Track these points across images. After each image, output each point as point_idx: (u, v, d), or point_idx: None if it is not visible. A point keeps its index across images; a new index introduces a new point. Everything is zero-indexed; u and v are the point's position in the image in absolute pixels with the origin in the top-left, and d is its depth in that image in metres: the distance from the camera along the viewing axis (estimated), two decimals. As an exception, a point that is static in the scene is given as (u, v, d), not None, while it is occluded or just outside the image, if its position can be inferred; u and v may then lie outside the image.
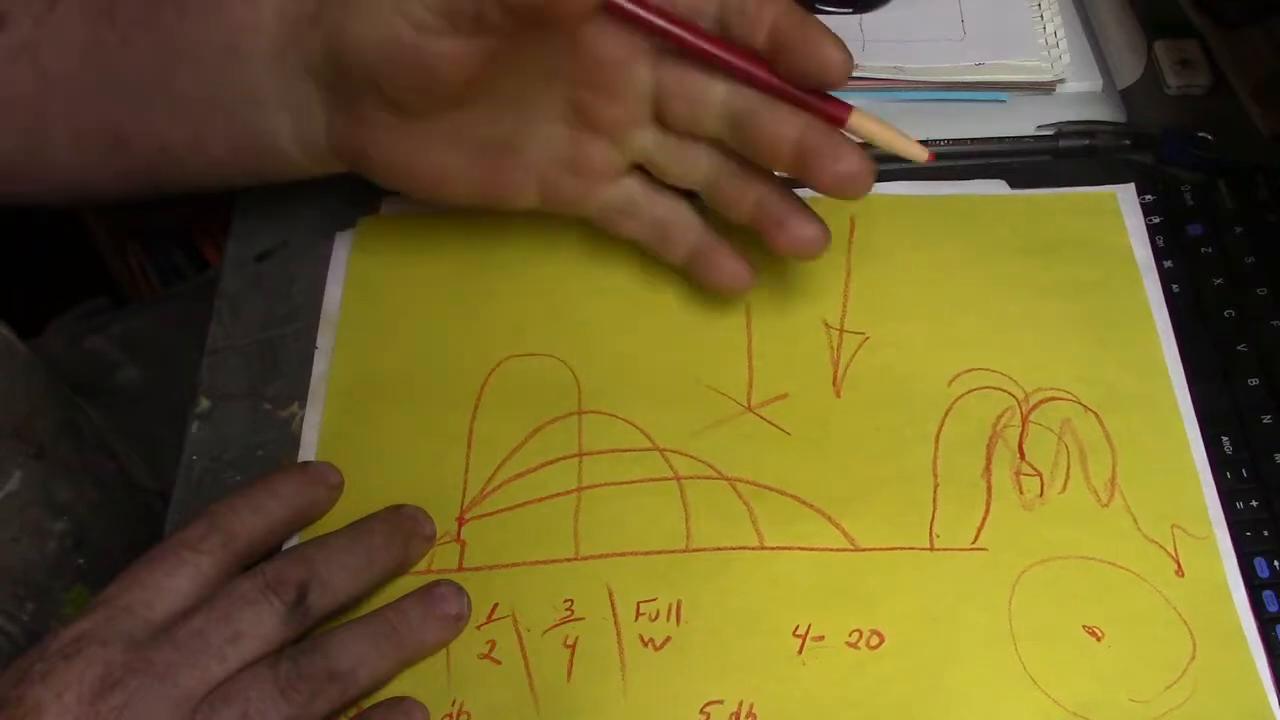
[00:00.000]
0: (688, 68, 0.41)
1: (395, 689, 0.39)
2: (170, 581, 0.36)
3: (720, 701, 0.38)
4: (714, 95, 0.41)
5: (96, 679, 0.34)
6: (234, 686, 0.35)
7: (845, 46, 0.39)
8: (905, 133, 0.41)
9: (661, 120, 0.42)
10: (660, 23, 0.39)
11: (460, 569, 0.41)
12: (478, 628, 0.40)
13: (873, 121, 0.41)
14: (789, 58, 0.39)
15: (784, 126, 0.40)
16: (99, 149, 0.44)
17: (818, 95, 0.40)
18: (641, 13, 0.39)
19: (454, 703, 0.39)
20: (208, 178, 0.45)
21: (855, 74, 0.54)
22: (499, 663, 0.39)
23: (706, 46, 0.40)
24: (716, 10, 0.40)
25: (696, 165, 0.43)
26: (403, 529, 0.41)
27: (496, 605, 0.40)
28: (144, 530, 0.56)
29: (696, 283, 0.46)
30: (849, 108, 0.40)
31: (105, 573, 0.51)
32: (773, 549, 0.42)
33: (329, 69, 0.40)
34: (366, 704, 0.38)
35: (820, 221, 0.42)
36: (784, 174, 0.42)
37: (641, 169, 0.44)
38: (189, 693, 0.34)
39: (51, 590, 0.48)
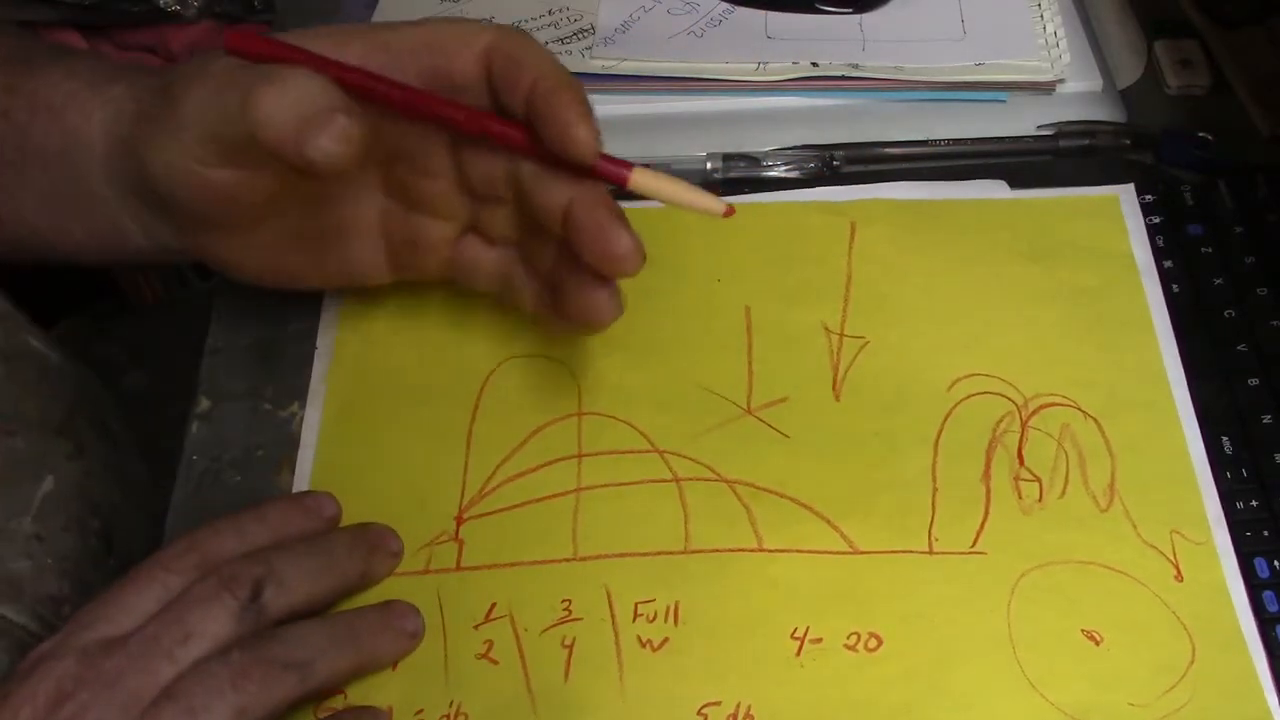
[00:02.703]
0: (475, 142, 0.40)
1: (390, 688, 0.39)
2: (138, 599, 0.36)
3: (718, 703, 0.38)
4: (498, 166, 0.41)
5: (50, 693, 0.34)
6: (180, 684, 0.34)
7: (594, 123, 0.37)
8: (696, 188, 0.39)
9: (469, 189, 0.42)
10: (398, 96, 0.38)
11: (458, 568, 0.41)
12: (475, 627, 0.40)
13: (658, 180, 0.39)
14: (542, 132, 0.38)
15: (553, 196, 0.39)
16: None
17: (617, 162, 0.39)
18: (379, 87, 0.38)
19: (451, 703, 0.39)
20: (78, 258, 0.46)
21: (856, 74, 0.55)
22: (496, 663, 0.39)
23: (462, 119, 0.39)
24: (483, 80, 0.39)
25: (509, 225, 0.43)
26: (367, 541, 0.41)
27: (494, 605, 0.40)
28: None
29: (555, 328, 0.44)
30: (629, 168, 0.38)
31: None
32: (771, 551, 0.41)
33: (145, 190, 0.41)
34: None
35: (612, 287, 0.40)
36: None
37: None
38: (137, 696, 0.34)
39: (93, 586, 0.48)
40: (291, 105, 0.35)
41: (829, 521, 0.42)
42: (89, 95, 0.42)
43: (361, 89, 0.38)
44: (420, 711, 0.38)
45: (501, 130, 0.39)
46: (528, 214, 0.41)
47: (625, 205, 0.49)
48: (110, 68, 0.43)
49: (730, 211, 0.39)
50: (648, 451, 0.44)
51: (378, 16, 0.58)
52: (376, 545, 0.41)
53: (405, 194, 0.42)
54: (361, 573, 0.40)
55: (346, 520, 0.42)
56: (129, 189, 0.42)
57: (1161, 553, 0.41)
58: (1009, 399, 0.45)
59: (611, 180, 0.39)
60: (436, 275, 0.45)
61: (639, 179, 0.38)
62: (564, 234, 0.39)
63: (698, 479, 0.43)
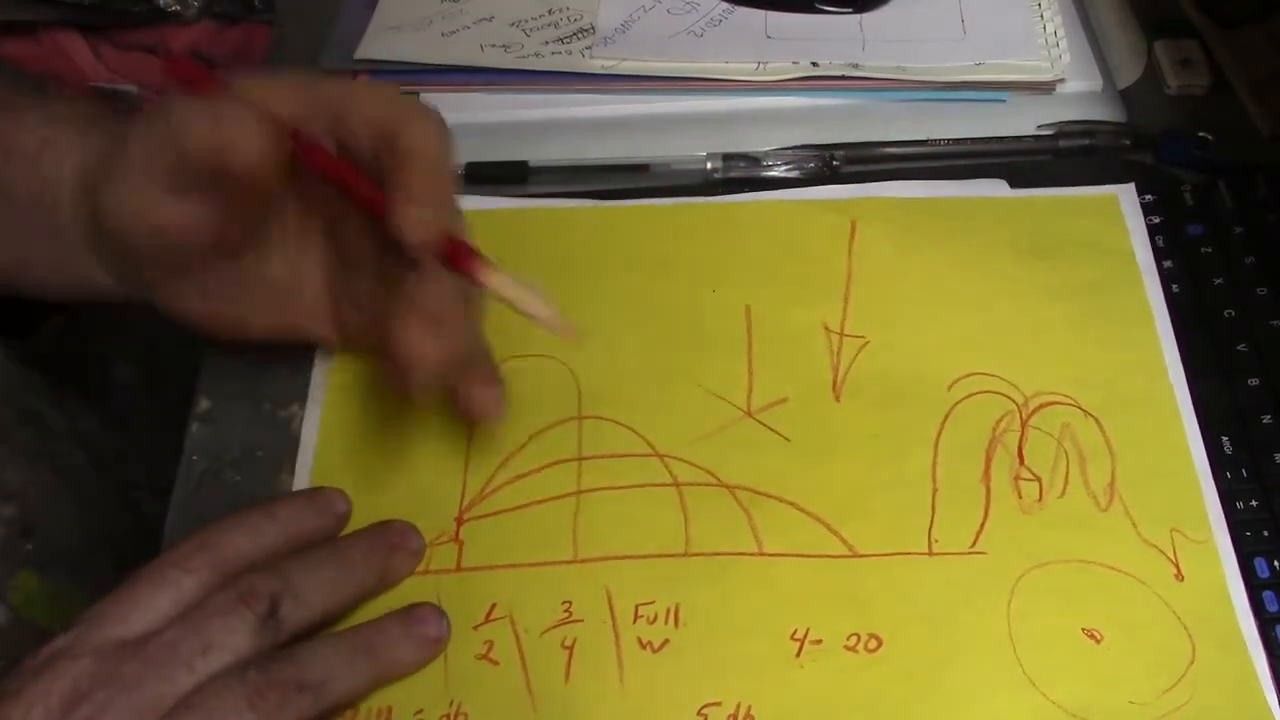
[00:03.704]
0: None
1: (390, 688, 0.39)
2: (151, 599, 0.36)
3: (718, 703, 0.38)
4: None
5: (65, 692, 0.34)
6: (198, 696, 0.34)
7: (438, 214, 0.38)
8: (548, 302, 0.39)
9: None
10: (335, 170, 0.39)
11: (458, 569, 0.41)
12: (475, 628, 0.40)
13: (513, 287, 0.39)
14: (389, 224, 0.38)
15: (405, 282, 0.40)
16: None
17: (462, 252, 0.39)
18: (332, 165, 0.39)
19: (452, 704, 0.39)
20: (38, 292, 0.46)
21: (856, 74, 0.55)
22: (496, 663, 0.39)
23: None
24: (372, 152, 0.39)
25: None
26: (386, 542, 0.41)
27: (494, 606, 0.40)
28: (123, 523, 0.56)
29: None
30: (487, 271, 0.39)
31: (55, 559, 0.51)
32: (771, 555, 0.41)
33: (103, 232, 0.41)
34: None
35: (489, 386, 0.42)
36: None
37: None
38: (155, 704, 0.34)
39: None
40: (216, 119, 0.37)
41: (829, 526, 0.42)
42: (66, 141, 0.42)
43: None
44: (420, 711, 0.38)
45: (362, 192, 0.39)
46: None
47: (650, 202, 0.51)
48: (88, 113, 0.43)
49: (571, 334, 0.39)
50: (648, 455, 0.44)
51: (377, 17, 0.58)
52: (397, 545, 0.41)
53: (347, 253, 0.43)
54: (380, 577, 0.40)
55: (347, 523, 0.42)
56: (92, 231, 0.42)
57: (1162, 552, 0.41)
58: (1009, 398, 0.45)
59: (471, 277, 0.39)
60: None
61: (495, 282, 0.39)
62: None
63: (698, 484, 0.43)
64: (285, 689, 0.35)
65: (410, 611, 0.39)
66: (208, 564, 0.37)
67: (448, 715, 0.38)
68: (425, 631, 0.39)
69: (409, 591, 0.41)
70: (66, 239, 0.43)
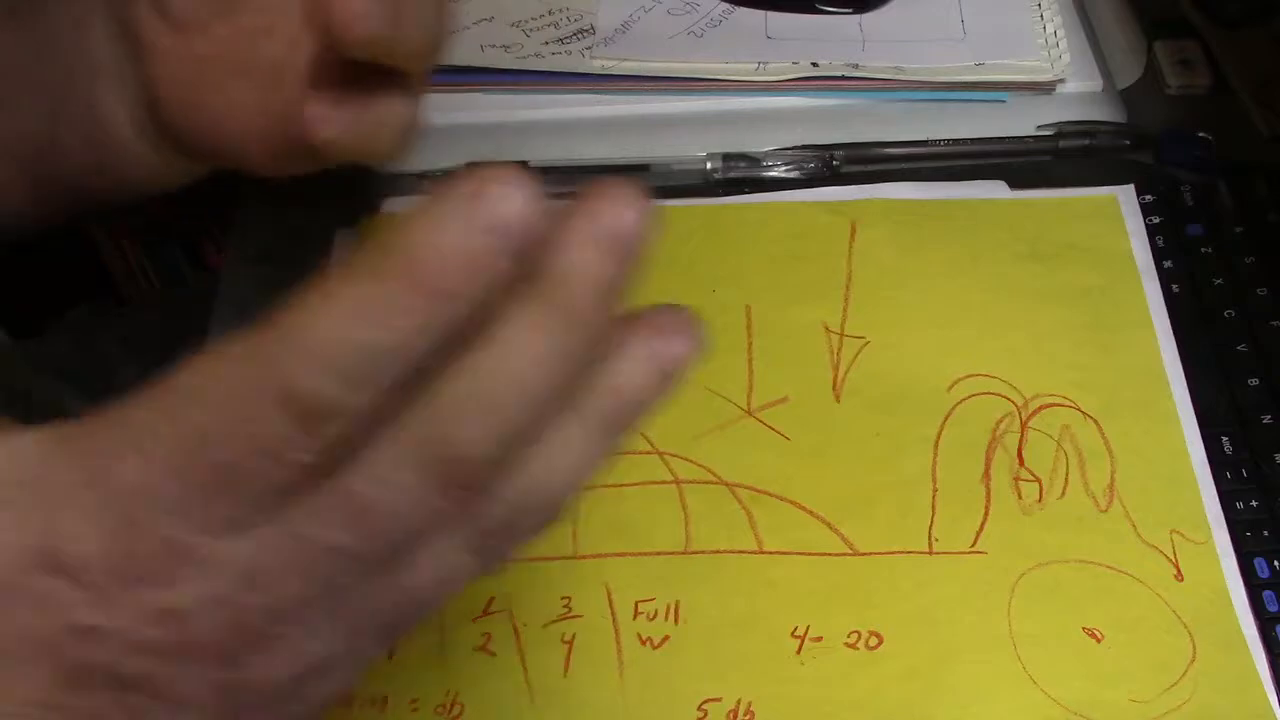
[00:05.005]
0: None
1: (385, 678, 0.38)
2: None
3: (718, 699, 0.38)
4: None
5: None
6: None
7: None
8: None
9: None
10: None
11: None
12: (473, 620, 0.40)
13: None
14: None
15: None
16: None
17: None
18: None
19: (449, 694, 0.39)
20: (63, 176, 0.44)
21: (856, 74, 0.55)
22: (494, 655, 0.39)
23: None
24: None
25: None
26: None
27: (492, 599, 0.40)
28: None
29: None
30: None
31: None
32: (772, 553, 0.41)
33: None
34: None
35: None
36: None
37: None
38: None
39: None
40: None
41: (829, 525, 0.42)
42: None
43: None
44: (415, 701, 0.38)
45: None
46: None
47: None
48: None
49: None
50: (648, 453, 0.44)
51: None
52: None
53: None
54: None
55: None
56: (108, 11, 0.40)
57: (1161, 553, 0.41)
58: (1009, 399, 0.45)
59: None
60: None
61: None
62: None
63: (698, 482, 0.43)
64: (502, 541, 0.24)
65: (651, 339, 0.24)
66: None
67: (444, 705, 0.38)
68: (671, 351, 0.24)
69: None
70: (94, 66, 0.41)
